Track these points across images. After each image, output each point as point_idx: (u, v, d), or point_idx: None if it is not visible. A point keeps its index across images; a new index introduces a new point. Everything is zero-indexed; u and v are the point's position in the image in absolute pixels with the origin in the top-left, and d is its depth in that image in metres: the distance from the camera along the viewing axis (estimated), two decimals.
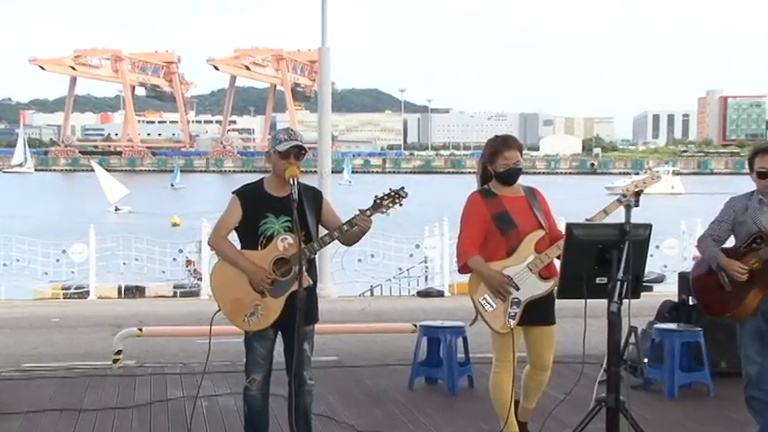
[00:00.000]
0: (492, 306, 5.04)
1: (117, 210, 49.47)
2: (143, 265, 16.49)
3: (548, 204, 5.27)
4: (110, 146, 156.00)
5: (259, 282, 4.77)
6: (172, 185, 79.31)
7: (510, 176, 5.15)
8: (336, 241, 4.92)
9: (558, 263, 4.83)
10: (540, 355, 5.20)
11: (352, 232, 4.81)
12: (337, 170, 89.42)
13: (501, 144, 5.18)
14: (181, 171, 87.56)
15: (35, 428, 6.11)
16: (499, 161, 5.13)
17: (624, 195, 4.82)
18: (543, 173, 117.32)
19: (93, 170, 52.33)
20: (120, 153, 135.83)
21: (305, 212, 4.81)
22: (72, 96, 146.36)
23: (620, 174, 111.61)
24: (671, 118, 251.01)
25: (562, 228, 4.95)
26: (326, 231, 4.87)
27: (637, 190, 4.96)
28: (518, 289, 5.01)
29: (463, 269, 5.14)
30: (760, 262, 5.09)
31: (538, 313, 5.07)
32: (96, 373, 7.95)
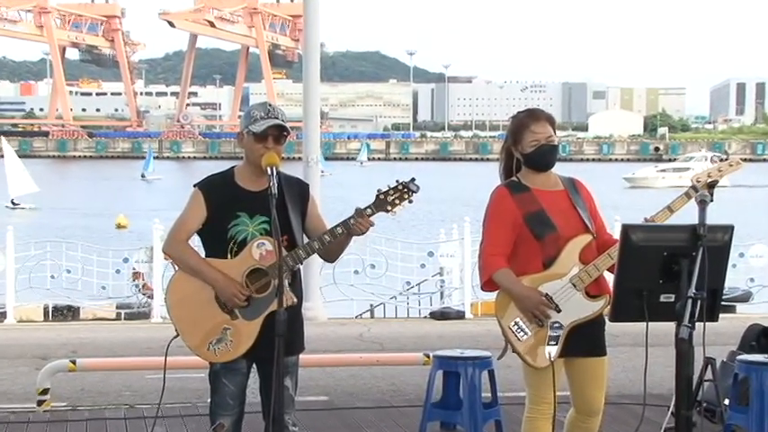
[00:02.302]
0: (526, 333, 5.04)
1: (15, 205, 49.46)
2: (77, 278, 16.47)
3: (593, 200, 5.25)
4: (33, 125, 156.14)
5: (230, 297, 4.79)
6: (143, 176, 79.95)
7: (542, 158, 5.11)
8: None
9: (609, 277, 4.83)
10: (587, 395, 5.20)
11: (337, 240, 4.82)
12: (327, 156, 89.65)
13: (526, 117, 5.17)
14: (154, 158, 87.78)
15: None
16: (526, 139, 5.10)
17: (694, 188, 4.81)
18: (593, 159, 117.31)
19: None
20: (46, 134, 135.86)
21: (287, 211, 4.83)
22: None
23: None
24: (760, 88, 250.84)
25: (612, 231, 4.96)
26: (314, 237, 4.89)
27: (710, 180, 4.97)
28: (559, 311, 5.00)
29: (487, 285, 5.12)
30: None
31: (583, 341, 5.05)
32: (16, 419, 7.97)
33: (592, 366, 5.14)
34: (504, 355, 5.24)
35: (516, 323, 5.04)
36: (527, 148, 5.10)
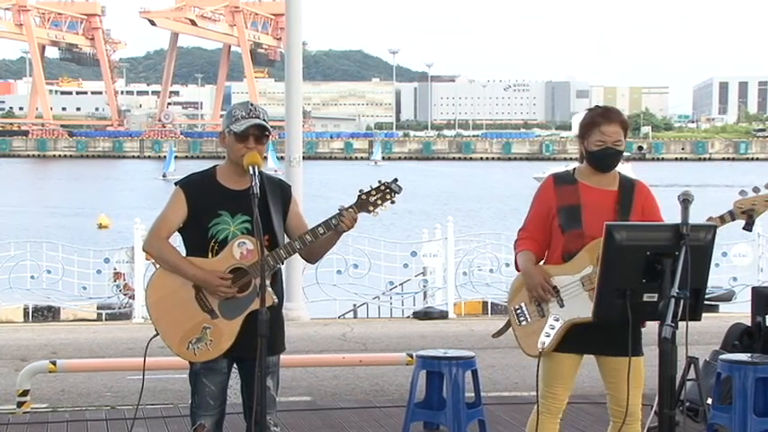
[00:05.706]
0: (527, 319, 5.10)
1: None
2: (57, 278, 16.42)
3: (654, 206, 5.19)
4: (12, 124, 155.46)
5: (215, 289, 4.77)
6: (164, 176, 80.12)
7: (604, 160, 5.17)
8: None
9: None
10: (618, 394, 5.06)
11: (319, 240, 4.82)
12: (309, 155, 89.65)
13: (599, 115, 5.20)
14: (176, 158, 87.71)
15: None
16: (594, 137, 5.16)
17: (732, 214, 4.83)
18: (577, 158, 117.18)
19: None
20: (26, 133, 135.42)
21: (269, 211, 4.83)
22: None
23: (675, 160, 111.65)
24: (743, 86, 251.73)
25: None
26: (295, 236, 4.89)
27: (748, 209, 4.98)
28: (562, 306, 5.00)
29: (516, 266, 5.23)
30: None
31: (610, 338, 4.94)
32: None
33: (617, 365, 4.99)
34: (500, 334, 5.25)
35: (520, 307, 5.13)
36: (592, 147, 5.19)
